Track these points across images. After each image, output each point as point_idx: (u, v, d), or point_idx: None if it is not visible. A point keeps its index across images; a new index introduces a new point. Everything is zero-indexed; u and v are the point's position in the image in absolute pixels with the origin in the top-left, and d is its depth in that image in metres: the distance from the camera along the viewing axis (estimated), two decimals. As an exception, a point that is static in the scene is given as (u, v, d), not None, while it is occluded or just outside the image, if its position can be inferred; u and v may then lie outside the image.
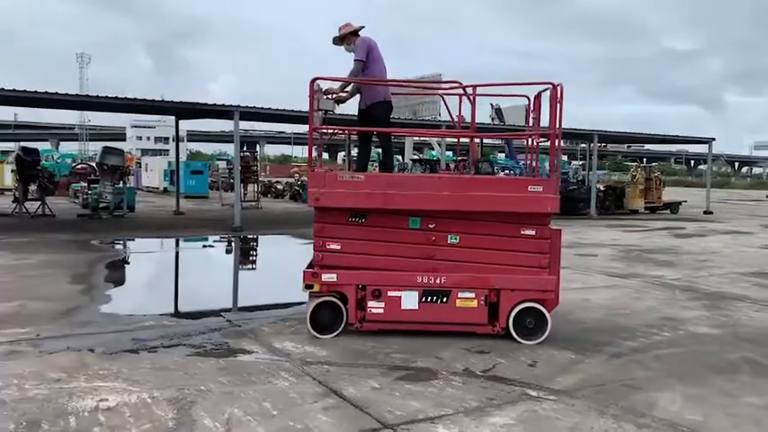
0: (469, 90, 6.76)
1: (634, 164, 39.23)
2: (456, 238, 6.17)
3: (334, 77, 6.97)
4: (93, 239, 14.00)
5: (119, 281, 9.85)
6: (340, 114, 7.96)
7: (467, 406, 4.58)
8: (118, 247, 13.80)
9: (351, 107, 7.79)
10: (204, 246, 14.65)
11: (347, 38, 7.35)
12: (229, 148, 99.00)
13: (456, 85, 7.10)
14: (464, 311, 6.13)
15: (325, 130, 7.28)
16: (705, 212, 26.18)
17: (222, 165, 41.71)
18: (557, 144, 6.35)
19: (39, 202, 19.35)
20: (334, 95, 7.11)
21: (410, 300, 6.06)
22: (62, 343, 5.91)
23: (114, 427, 4.07)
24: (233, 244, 14.68)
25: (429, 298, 6.10)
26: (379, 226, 6.11)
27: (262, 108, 17.09)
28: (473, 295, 6.12)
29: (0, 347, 5.73)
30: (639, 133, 27.00)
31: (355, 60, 7.16)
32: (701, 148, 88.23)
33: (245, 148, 30.19)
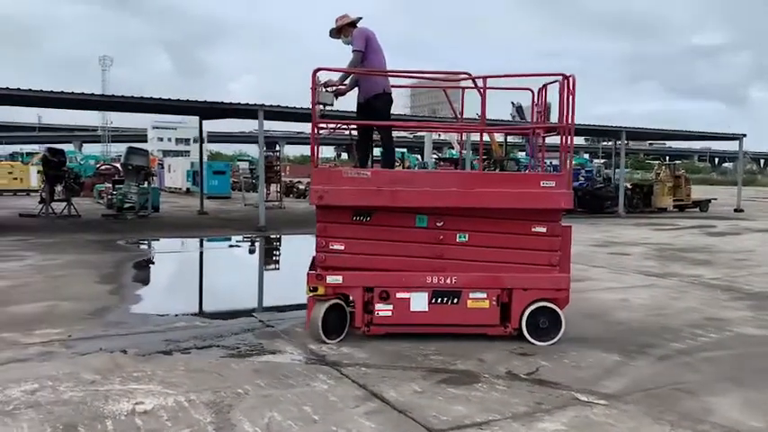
0: (479, 82, 6.34)
1: (656, 162, 38.69)
2: (465, 237, 5.90)
3: (336, 68, 6.59)
4: (119, 239, 14.01)
5: (147, 281, 9.78)
6: (339, 110, 7.75)
7: (515, 411, 4.39)
8: (144, 246, 13.78)
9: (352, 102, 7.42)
10: (230, 245, 14.58)
11: (344, 29, 7.03)
12: (249, 149, 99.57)
13: (465, 76, 6.68)
14: (476, 312, 5.90)
15: (326, 125, 7.02)
16: (736, 210, 25.63)
17: (243, 165, 41.85)
18: (568, 140, 6.10)
19: (65, 203, 19.44)
20: (334, 88, 6.65)
21: (420, 301, 5.80)
22: (94, 344, 5.82)
23: (153, 431, 3.94)
24: (259, 244, 14.60)
25: (439, 299, 5.84)
26: (384, 225, 5.82)
27: (286, 107, 17.00)
28: (485, 295, 5.89)
29: (33, 348, 5.64)
30: (669, 130, 26.51)
31: (354, 51, 6.81)
32: (724, 146, 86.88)
33: (263, 149, 30.14)
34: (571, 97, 5.93)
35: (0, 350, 5.56)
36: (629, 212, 23.81)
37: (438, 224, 5.86)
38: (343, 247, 5.74)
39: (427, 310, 5.79)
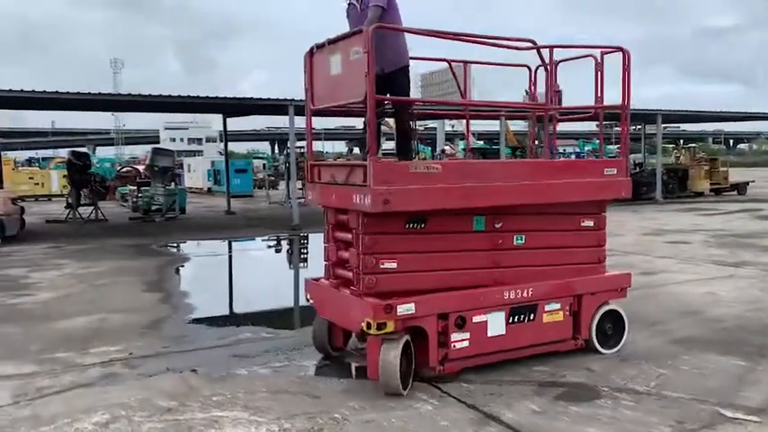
0: (544, 52, 5.40)
1: (670, 146, 37.80)
2: (522, 239, 5.03)
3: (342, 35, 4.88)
4: (152, 244, 13.54)
5: (195, 287, 9.28)
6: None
7: (658, 433, 3.82)
8: (181, 250, 13.30)
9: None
10: (270, 246, 14.07)
11: None
12: (261, 146, 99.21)
13: (529, 44, 5.34)
14: (551, 327, 5.09)
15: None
16: (775, 192, 24.80)
17: (257, 163, 41.35)
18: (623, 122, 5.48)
19: (91, 207, 19.04)
20: None
21: (497, 323, 4.83)
22: (159, 363, 5.31)
23: (255, 472, 3.41)
24: (300, 243, 14.06)
25: (516, 317, 4.91)
26: (440, 232, 4.74)
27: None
28: (559, 306, 5.09)
29: (94, 370, 5.14)
30: (705, 111, 25.67)
31: (373, 6, 5.25)
32: (738, 127, 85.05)
33: (293, 145, 29.64)
34: (627, 74, 5.30)
35: (59, 373, 5.06)
36: (666, 198, 23.08)
37: (496, 226, 4.93)
38: (395, 265, 4.55)
39: (504, 332, 4.85)
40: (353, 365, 5.15)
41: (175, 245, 13.74)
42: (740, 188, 25.51)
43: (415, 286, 4.59)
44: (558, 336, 5.14)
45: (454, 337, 4.62)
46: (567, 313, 5.14)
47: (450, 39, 5.13)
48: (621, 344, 5.38)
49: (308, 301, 5.33)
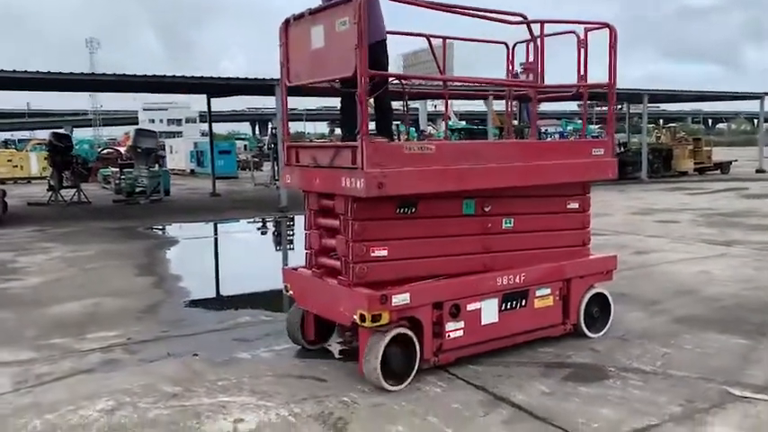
0: (535, 27, 5.06)
1: (651, 125, 38.07)
2: (510, 222, 4.91)
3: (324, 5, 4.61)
4: (138, 226, 13.35)
5: (187, 270, 9.13)
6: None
7: (669, 412, 3.82)
8: (169, 233, 13.12)
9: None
10: (259, 229, 13.94)
11: None
12: (241, 127, 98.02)
13: (519, 19, 5.06)
14: (542, 313, 4.99)
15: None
16: (758, 171, 25.07)
17: (239, 144, 40.86)
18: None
19: (74, 190, 18.72)
20: None
21: (491, 311, 4.70)
22: (159, 348, 5.23)
23: (269, 458, 3.36)
24: (289, 225, 13.94)
25: (509, 304, 4.79)
26: (430, 216, 4.55)
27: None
28: (549, 291, 5.01)
29: (94, 356, 5.05)
30: (690, 91, 25.80)
31: None
32: (718, 107, 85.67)
33: (273, 127, 29.36)
34: (613, 52, 5.21)
35: (57, 359, 4.96)
36: (651, 177, 23.23)
37: (486, 209, 4.77)
38: (386, 253, 4.35)
39: (497, 320, 4.73)
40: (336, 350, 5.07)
41: (162, 227, 13.55)
42: (723, 167, 25.76)
43: (406, 274, 4.42)
44: (548, 321, 5.07)
45: (449, 326, 4.47)
46: (557, 298, 5.09)
47: (437, 10, 4.82)
48: (607, 327, 5.36)
49: (286, 292, 5.10)
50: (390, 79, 5.18)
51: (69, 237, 11.72)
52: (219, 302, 6.80)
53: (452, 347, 4.55)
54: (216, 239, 12.75)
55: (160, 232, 12.99)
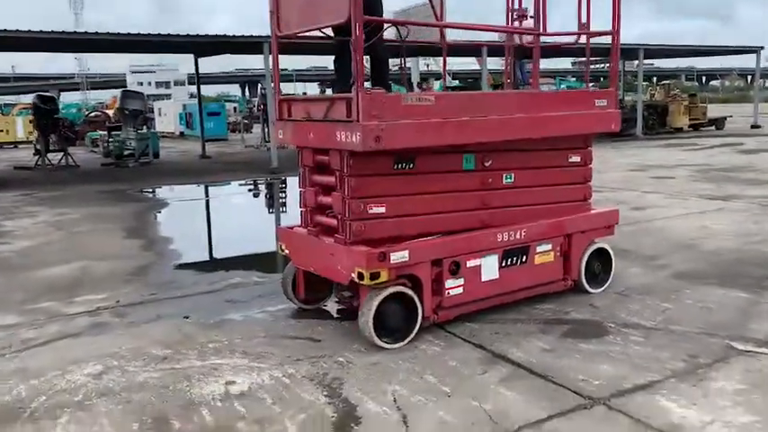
0: None
1: (644, 83, 37.70)
2: (511, 177, 4.76)
3: None
4: (128, 189, 13.13)
5: (177, 233, 8.98)
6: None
7: (672, 368, 3.73)
8: (159, 195, 12.91)
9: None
10: (250, 190, 13.73)
11: None
12: (231, 89, 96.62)
13: None
14: (542, 269, 4.87)
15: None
16: (753, 126, 24.88)
17: (228, 106, 40.21)
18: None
19: (61, 153, 18.40)
20: None
21: (491, 267, 4.57)
22: (149, 310, 5.10)
23: (262, 420, 3.26)
24: (279, 186, 13.76)
25: (509, 260, 4.67)
26: (428, 172, 4.39)
27: (289, 39, 15.80)
28: (550, 247, 4.88)
29: (81, 319, 4.92)
30: (686, 45, 25.45)
31: None
32: (710, 64, 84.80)
33: (262, 88, 28.85)
34: None
35: (44, 323, 4.83)
36: (646, 134, 23.05)
37: (486, 164, 4.61)
38: (384, 210, 4.20)
39: (498, 276, 4.61)
40: (334, 310, 4.96)
41: (152, 190, 13.33)
42: (718, 123, 25.58)
43: (405, 232, 4.29)
44: (548, 277, 4.96)
45: (448, 283, 4.36)
46: (558, 253, 4.96)
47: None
48: (608, 282, 5.27)
49: (281, 251, 4.94)
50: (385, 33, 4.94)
51: (57, 200, 11.51)
52: (210, 264, 6.66)
53: (452, 305, 4.45)
54: (206, 202, 12.55)
55: (149, 195, 12.78)
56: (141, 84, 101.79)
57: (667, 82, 36.10)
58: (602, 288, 5.23)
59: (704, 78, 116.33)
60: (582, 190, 5.24)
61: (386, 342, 4.11)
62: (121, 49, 22.18)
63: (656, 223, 7.88)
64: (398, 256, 4.09)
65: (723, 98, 62.59)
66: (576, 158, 5.16)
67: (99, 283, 5.92)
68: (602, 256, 5.27)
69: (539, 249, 4.84)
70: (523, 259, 4.76)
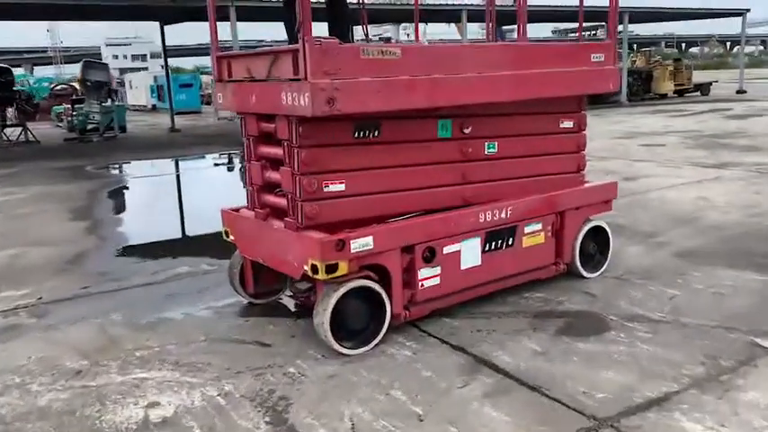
0: None
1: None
2: (494, 147, 4.06)
3: None
4: (87, 165, 12.28)
5: (129, 213, 8.23)
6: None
7: (690, 374, 3.10)
8: (117, 172, 12.08)
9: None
10: (217, 164, 12.90)
11: None
12: (209, 62, 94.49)
13: None
14: (531, 253, 4.20)
15: None
16: (738, 92, 24.38)
17: (206, 78, 39.00)
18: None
19: (20, 128, 17.38)
20: None
21: (472, 253, 3.89)
22: (76, 308, 4.38)
23: (183, 461, 2.58)
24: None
25: (493, 244, 3.98)
26: (397, 141, 3.69)
27: (261, 2, 14.88)
28: (540, 227, 4.21)
29: (-9, 322, 4.18)
30: (672, 8, 24.71)
31: None
32: (690, 30, 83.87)
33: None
34: None
35: (-54, 328, 4.09)
36: (631, 101, 22.45)
37: (465, 131, 3.91)
38: (343, 187, 3.50)
39: (480, 263, 3.93)
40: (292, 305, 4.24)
41: (113, 166, 12.49)
42: (703, 89, 25.05)
43: (369, 213, 3.60)
44: (539, 262, 4.28)
45: (422, 273, 3.68)
46: (549, 234, 4.28)
47: None
48: (605, 265, 4.64)
49: (225, 237, 4.21)
50: None
51: (7, 179, 10.66)
52: (158, 249, 5.92)
53: (427, 298, 3.76)
54: (169, 178, 11.72)
55: (109, 171, 11.93)
56: (117, 57, 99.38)
57: (648, 49, 35.44)
58: (599, 272, 4.59)
59: (684, 45, 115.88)
60: (575, 160, 4.56)
61: (346, 347, 3.44)
62: (86, 17, 21.05)
63: (651, 195, 7.25)
64: (360, 243, 3.39)
65: (703, 65, 62.35)
66: (568, 124, 4.47)
67: (26, 274, 5.18)
68: (597, 236, 4.62)
69: (527, 230, 4.15)
70: (510, 242, 4.08)
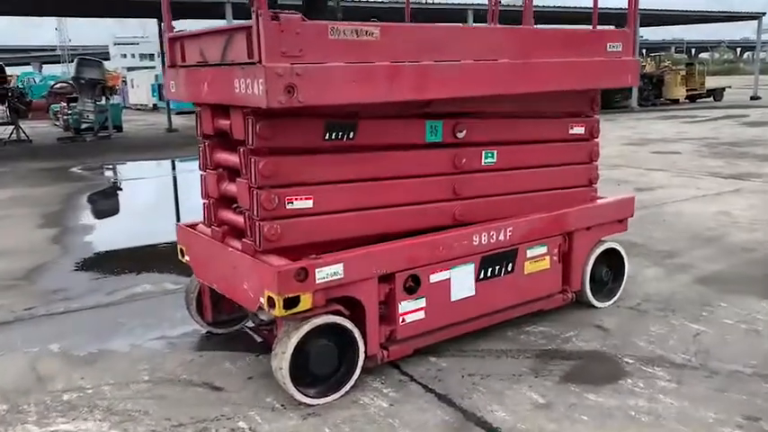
0: None
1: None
2: (493, 156, 3.49)
3: None
4: (74, 166, 11.78)
5: (103, 220, 7.68)
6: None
7: (727, 441, 2.52)
8: (105, 174, 11.55)
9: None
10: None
11: None
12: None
13: None
14: (534, 280, 3.62)
15: None
16: (752, 98, 23.70)
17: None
18: None
19: (11, 127, 16.91)
20: None
21: (464, 281, 3.32)
22: (10, 335, 3.84)
23: None
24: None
25: (489, 270, 3.41)
26: (376, 146, 3.11)
27: None
28: (545, 250, 3.64)
29: None
30: (683, 11, 24.06)
31: None
32: (700, 36, 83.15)
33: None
34: None
35: None
36: (641, 105, 21.84)
37: (458, 135, 3.33)
38: (311, 204, 2.93)
39: (474, 293, 3.36)
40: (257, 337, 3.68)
41: (100, 167, 11.96)
42: (716, 95, 24.43)
43: (341, 234, 3.04)
44: (543, 290, 3.71)
45: (404, 306, 3.11)
46: (556, 258, 3.70)
47: None
48: (619, 293, 4.06)
49: (181, 257, 3.63)
50: None
51: (-15, 180, 10.15)
52: (124, 262, 5.36)
53: (409, 336, 3.19)
54: (156, 180, 11.19)
55: (95, 173, 11.40)
56: (125, 56, 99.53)
57: (659, 54, 34.84)
58: (612, 301, 4.01)
59: (693, 51, 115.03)
60: (586, 172, 3.99)
61: (311, 395, 2.88)
62: (84, 13, 20.61)
63: (668, 208, 6.66)
64: (328, 271, 2.82)
65: (712, 71, 61.76)
66: (579, 129, 3.89)
67: (-31, 291, 4.64)
68: (610, 259, 4.04)
69: (530, 254, 3.58)
70: (509, 268, 3.51)
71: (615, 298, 4.03)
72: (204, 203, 3.39)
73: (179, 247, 3.64)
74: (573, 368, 3.19)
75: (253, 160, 2.81)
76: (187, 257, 3.58)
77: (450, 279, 3.26)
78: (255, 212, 2.84)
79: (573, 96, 3.82)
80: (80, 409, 2.90)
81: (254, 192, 2.82)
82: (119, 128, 18.53)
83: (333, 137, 2.95)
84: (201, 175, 3.38)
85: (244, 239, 2.99)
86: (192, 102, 3.29)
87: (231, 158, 3.08)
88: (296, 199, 2.90)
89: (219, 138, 3.19)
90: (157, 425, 2.74)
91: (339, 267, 2.85)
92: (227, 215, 3.21)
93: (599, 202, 3.98)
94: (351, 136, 3.00)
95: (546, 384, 3.02)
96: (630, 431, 2.61)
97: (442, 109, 3.26)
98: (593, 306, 3.92)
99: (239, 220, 3.06)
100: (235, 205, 3.13)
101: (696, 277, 4.49)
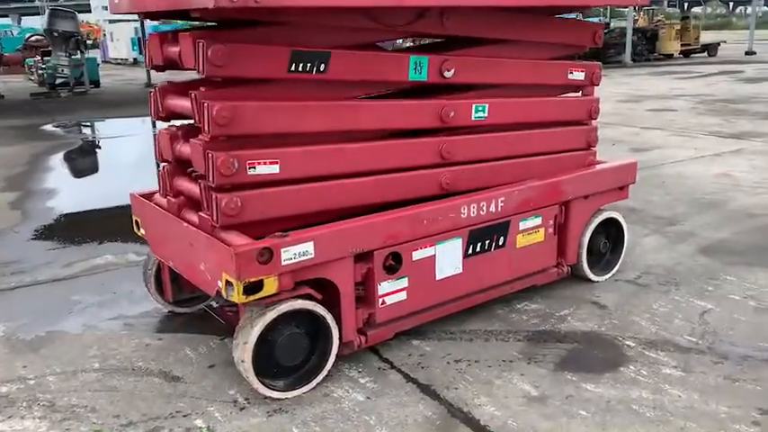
0: None
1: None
2: (484, 110, 3.10)
3: None
4: (45, 123, 11.26)
5: (69, 182, 7.25)
6: None
7: (743, 442, 2.24)
8: (77, 132, 11.04)
9: None
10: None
11: None
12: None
13: None
14: (527, 254, 3.28)
15: None
16: (747, 53, 23.23)
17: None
18: None
19: (-17, 82, 16.25)
20: None
21: (451, 257, 2.98)
22: (-48, 314, 3.48)
23: None
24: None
25: (478, 245, 3.07)
26: (351, 82, 2.73)
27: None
28: (539, 221, 3.29)
29: None
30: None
31: None
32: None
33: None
34: None
35: None
36: (635, 61, 21.35)
37: (445, 74, 2.92)
38: (277, 169, 2.54)
39: (461, 270, 3.03)
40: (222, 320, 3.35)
41: (74, 125, 11.45)
42: (711, 50, 23.93)
43: (312, 207, 2.68)
44: (537, 265, 3.39)
45: (384, 287, 2.78)
46: (551, 230, 3.37)
47: None
48: (618, 265, 3.76)
49: (137, 230, 3.27)
50: None
51: (-51, 139, 9.65)
52: (87, 230, 4.99)
53: (389, 319, 2.87)
54: (131, 139, 10.69)
55: (67, 131, 10.89)
56: (106, 8, 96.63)
57: (651, 8, 34.09)
58: (610, 274, 3.72)
59: (686, 5, 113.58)
60: (584, 133, 3.62)
61: (278, 388, 2.57)
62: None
63: (666, 170, 6.35)
64: (296, 251, 2.48)
65: (705, 25, 60.94)
66: (578, 74, 3.49)
67: None
68: (608, 229, 3.73)
69: (523, 226, 3.25)
70: (500, 242, 3.18)
71: (613, 271, 3.73)
72: (158, 170, 3.01)
73: (134, 218, 3.27)
74: (569, 352, 2.89)
75: (206, 105, 2.39)
76: (143, 230, 3.21)
77: (434, 256, 2.92)
78: (212, 179, 2.45)
79: (574, 26, 3.43)
80: (18, 404, 2.58)
81: (209, 154, 2.44)
82: (96, 83, 17.87)
83: (298, 68, 2.52)
84: (154, 134, 2.99)
85: (201, 213, 2.63)
86: (136, 12, 2.86)
87: (184, 105, 2.67)
88: (259, 163, 2.52)
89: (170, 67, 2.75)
90: (104, 423, 2.43)
91: (309, 246, 2.51)
92: (184, 183, 2.83)
93: (598, 167, 3.63)
94: (321, 68, 2.58)
95: (539, 372, 2.73)
96: (635, 429, 2.32)
97: (430, 29, 2.86)
98: (590, 280, 3.62)
99: (196, 189, 2.69)
100: (190, 169, 2.76)
101: (699, 246, 4.20)
